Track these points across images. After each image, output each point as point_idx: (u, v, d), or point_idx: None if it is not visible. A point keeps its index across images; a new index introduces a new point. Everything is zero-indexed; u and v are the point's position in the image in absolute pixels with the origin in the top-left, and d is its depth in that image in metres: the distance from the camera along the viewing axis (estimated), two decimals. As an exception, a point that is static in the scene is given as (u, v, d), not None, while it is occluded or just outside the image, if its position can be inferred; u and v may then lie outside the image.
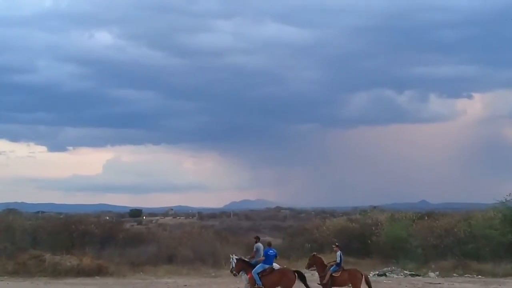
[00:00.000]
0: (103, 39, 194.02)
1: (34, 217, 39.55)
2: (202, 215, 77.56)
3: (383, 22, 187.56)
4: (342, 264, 17.77)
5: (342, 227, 33.31)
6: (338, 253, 17.82)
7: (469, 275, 26.15)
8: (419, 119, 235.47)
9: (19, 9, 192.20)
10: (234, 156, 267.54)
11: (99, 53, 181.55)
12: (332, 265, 17.75)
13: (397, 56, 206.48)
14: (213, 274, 26.67)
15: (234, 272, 17.60)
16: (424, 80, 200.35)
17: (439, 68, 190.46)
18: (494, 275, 25.86)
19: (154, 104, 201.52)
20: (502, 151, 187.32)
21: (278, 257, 17.94)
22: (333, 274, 17.52)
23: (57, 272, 25.89)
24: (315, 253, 18.76)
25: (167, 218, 73.58)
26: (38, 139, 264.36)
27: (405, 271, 27.12)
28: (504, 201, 29.75)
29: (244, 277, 17.41)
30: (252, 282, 16.97)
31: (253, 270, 16.96)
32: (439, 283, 23.89)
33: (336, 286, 17.63)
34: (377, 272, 26.92)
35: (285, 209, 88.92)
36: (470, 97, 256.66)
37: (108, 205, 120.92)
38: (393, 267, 27.69)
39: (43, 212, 53.97)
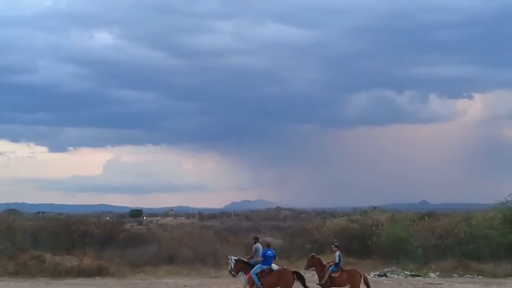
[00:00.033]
0: (103, 39, 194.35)
1: (34, 218, 39.52)
2: (203, 216, 77.46)
3: (383, 23, 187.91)
4: (341, 265, 17.78)
5: (343, 228, 33.30)
6: (337, 253, 17.83)
7: (469, 276, 26.16)
8: (419, 120, 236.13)
9: (19, 9, 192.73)
10: (234, 157, 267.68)
11: (99, 54, 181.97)
12: (331, 266, 17.77)
13: (397, 57, 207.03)
14: (214, 274, 26.68)
15: (233, 272, 17.61)
16: (424, 80, 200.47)
17: (439, 69, 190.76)
18: (495, 275, 25.87)
19: (154, 104, 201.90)
20: (503, 151, 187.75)
21: (277, 258, 17.96)
22: (332, 275, 17.53)
23: (58, 273, 25.90)
24: (313, 254, 18.76)
25: (167, 218, 73.40)
26: (38, 139, 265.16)
27: (406, 272, 27.11)
28: (505, 201, 29.73)
29: (243, 278, 17.41)
30: (251, 282, 16.98)
31: (252, 271, 16.98)
32: (440, 284, 23.90)
33: (334, 286, 17.64)
34: (378, 273, 26.93)
35: (286, 209, 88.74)
36: (470, 97, 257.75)
37: (108, 205, 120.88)
38: (394, 268, 27.67)
39: (43, 212, 53.90)
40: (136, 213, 74.59)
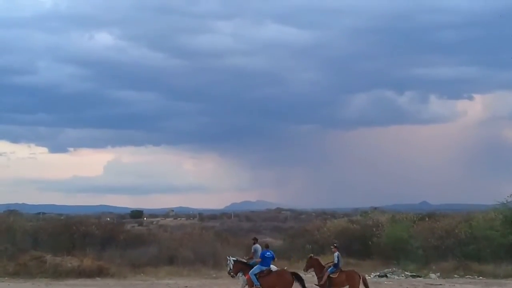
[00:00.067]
0: (103, 40, 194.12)
1: (35, 218, 39.51)
2: (203, 216, 77.42)
3: (383, 23, 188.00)
4: (340, 265, 17.77)
5: (343, 228, 33.31)
6: (336, 254, 17.83)
7: (470, 276, 26.15)
8: (419, 120, 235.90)
9: (19, 10, 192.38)
10: (234, 157, 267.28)
11: (100, 54, 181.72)
12: (330, 266, 17.76)
13: (397, 57, 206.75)
14: (214, 275, 26.67)
15: (232, 273, 17.61)
16: (425, 81, 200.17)
17: (439, 69, 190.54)
18: (495, 276, 25.87)
19: (155, 105, 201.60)
20: (503, 152, 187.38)
21: (277, 258, 17.95)
22: (331, 275, 17.52)
23: (58, 273, 25.90)
24: (311, 255, 18.72)
25: (167, 219, 73.35)
26: (38, 140, 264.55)
27: (406, 272, 27.11)
28: (505, 202, 29.71)
29: (241, 278, 17.41)
30: (250, 283, 16.98)
31: (250, 271, 16.96)
32: (440, 284, 23.90)
33: (333, 287, 17.62)
34: (378, 273, 26.92)
35: (286, 210, 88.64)
36: (470, 98, 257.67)
37: (108, 206, 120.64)
38: (394, 268, 27.66)
39: (44, 213, 53.85)
40: (136, 214, 74.54)
